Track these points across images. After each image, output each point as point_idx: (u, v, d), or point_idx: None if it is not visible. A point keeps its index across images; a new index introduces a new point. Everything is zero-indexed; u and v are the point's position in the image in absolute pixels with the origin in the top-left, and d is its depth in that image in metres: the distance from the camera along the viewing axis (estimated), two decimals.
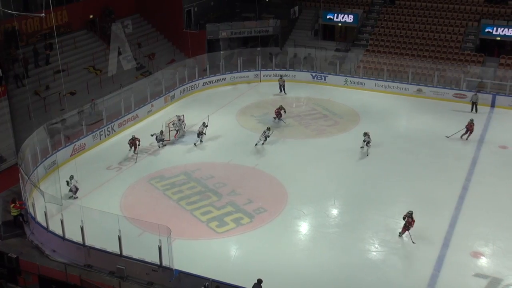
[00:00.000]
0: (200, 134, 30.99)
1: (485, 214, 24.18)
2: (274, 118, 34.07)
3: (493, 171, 28.09)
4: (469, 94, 37.00)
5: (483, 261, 21.24)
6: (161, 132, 30.65)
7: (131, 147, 29.67)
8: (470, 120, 31.57)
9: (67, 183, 25.31)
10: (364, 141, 29.77)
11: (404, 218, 22.25)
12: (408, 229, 22.07)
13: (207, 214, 24.27)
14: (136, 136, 29.71)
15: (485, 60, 41.12)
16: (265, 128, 31.04)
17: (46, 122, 28.89)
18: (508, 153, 30.19)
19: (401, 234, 22.40)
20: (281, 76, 40.07)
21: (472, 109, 35.32)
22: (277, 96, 38.89)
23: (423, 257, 21.29)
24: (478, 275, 20.32)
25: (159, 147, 30.53)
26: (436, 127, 33.40)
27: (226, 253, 21.72)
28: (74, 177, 25.44)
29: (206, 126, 31.36)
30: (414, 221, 22.01)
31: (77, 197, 25.30)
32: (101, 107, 32.69)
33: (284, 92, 39.31)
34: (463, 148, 30.44)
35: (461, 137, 31.46)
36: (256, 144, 30.62)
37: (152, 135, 30.40)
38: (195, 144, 30.91)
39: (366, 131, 29.94)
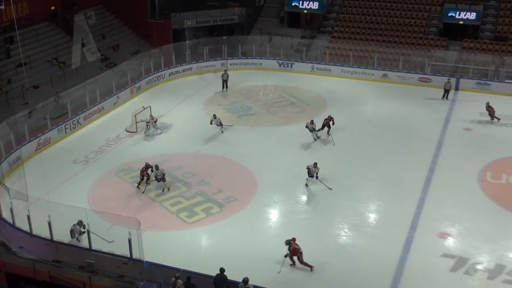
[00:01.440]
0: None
1: (451, 196, 24.59)
2: (327, 132, 29.95)
3: (458, 153, 28.56)
4: (434, 78, 37.56)
5: (450, 242, 21.62)
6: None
7: (142, 178, 25.26)
8: (486, 104, 31.84)
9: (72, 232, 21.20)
10: (311, 130, 28.94)
11: (287, 244, 19.76)
12: (295, 255, 19.78)
13: (176, 205, 24.16)
14: (149, 164, 25.43)
15: (448, 44, 41.69)
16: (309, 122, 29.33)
17: (9, 117, 28.31)
18: (472, 135, 30.72)
19: (291, 261, 19.90)
20: (225, 70, 38.12)
21: (443, 96, 35.38)
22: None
23: (392, 240, 21.56)
24: (445, 255, 20.67)
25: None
26: (402, 112, 33.80)
27: (197, 243, 21.67)
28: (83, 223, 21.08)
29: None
30: (298, 248, 19.69)
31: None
32: (66, 100, 32.19)
33: (226, 87, 37.48)
34: (429, 132, 30.84)
35: (492, 121, 31.76)
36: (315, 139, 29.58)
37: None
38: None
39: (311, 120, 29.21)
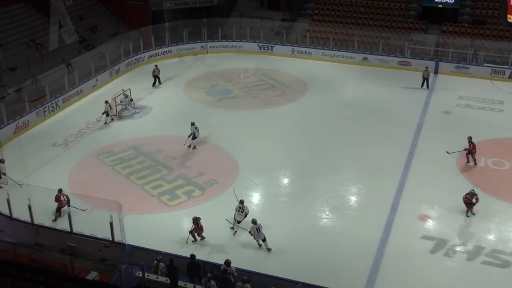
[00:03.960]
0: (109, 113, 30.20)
1: (430, 179, 24.83)
2: (466, 210, 22.27)
3: (437, 136, 28.81)
4: (414, 62, 37.78)
5: (429, 224, 21.89)
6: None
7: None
8: (468, 138, 26.07)
9: None
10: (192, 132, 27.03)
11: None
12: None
13: (158, 188, 24.08)
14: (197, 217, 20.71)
15: (427, 28, 41.88)
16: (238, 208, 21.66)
17: None
18: (451, 118, 31.02)
19: None
20: (156, 65, 35.79)
21: (422, 85, 34.88)
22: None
23: (372, 222, 21.76)
24: (425, 237, 20.93)
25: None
26: (382, 95, 33.98)
27: (179, 226, 21.61)
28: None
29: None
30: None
31: None
32: (44, 82, 31.73)
33: (159, 82, 35.17)
34: (409, 115, 31.06)
35: (466, 163, 26.09)
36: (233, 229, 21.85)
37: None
38: (105, 122, 30.05)
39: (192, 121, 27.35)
